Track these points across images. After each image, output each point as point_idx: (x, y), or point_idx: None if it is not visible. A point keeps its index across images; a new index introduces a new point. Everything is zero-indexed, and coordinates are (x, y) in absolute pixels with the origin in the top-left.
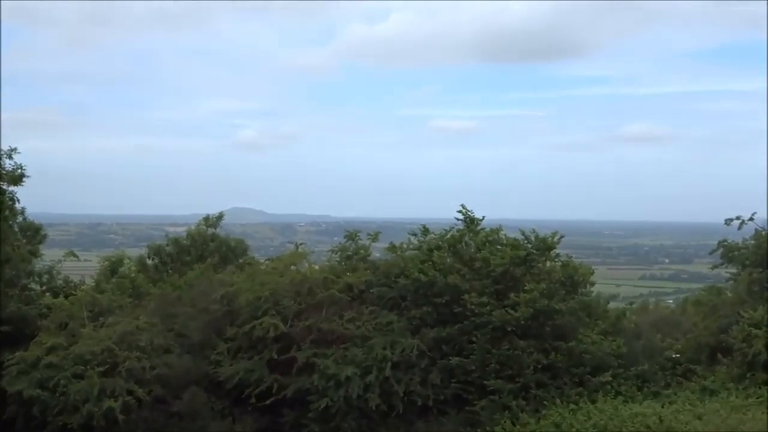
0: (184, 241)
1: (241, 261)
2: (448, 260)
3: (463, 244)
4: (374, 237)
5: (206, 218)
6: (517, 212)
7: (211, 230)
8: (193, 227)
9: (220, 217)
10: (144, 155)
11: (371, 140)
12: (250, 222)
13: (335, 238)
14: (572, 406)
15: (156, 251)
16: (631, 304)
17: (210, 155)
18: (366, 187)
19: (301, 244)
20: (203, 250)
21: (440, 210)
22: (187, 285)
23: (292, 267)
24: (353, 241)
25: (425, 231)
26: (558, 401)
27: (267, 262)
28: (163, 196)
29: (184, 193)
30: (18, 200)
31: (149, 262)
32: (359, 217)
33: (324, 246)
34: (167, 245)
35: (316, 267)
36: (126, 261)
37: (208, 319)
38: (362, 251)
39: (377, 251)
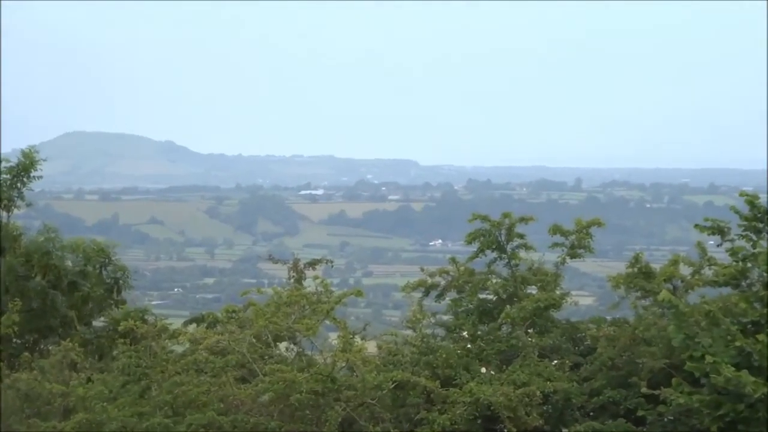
0: None
1: (104, 321)
2: None
3: None
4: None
5: None
6: None
7: None
8: None
9: (27, 167)
10: None
11: None
12: (136, 185)
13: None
14: None
15: None
16: None
17: None
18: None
19: (320, 262)
20: None
21: None
22: None
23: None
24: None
25: None
26: None
27: (200, 330)
28: None
29: None
30: None
31: None
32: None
33: (407, 268)
34: None
35: (378, 346)
36: None
37: None
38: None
39: None
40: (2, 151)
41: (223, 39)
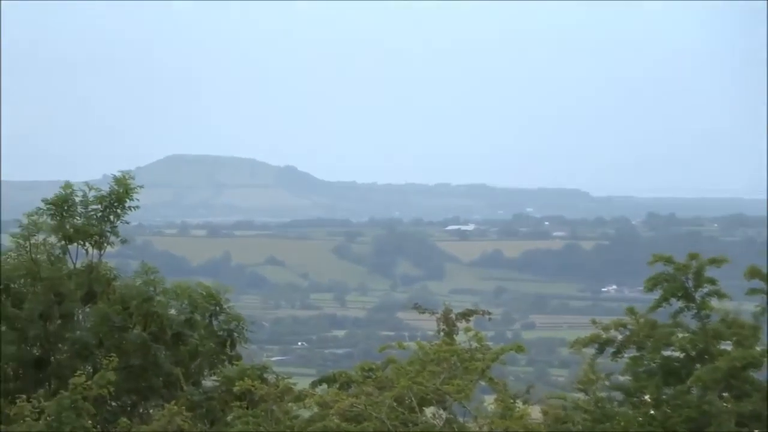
0: None
1: (215, 380)
2: None
3: None
4: None
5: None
6: None
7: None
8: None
9: (121, 196)
10: None
11: None
12: (251, 219)
13: None
14: None
15: None
16: None
17: None
18: None
19: (475, 313)
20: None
21: None
22: None
23: None
24: None
25: None
26: None
27: (331, 391)
28: None
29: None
30: None
31: None
32: None
33: (575, 319)
34: None
35: None
36: None
37: None
38: None
39: None
40: (92, 178)
41: (347, 44)
